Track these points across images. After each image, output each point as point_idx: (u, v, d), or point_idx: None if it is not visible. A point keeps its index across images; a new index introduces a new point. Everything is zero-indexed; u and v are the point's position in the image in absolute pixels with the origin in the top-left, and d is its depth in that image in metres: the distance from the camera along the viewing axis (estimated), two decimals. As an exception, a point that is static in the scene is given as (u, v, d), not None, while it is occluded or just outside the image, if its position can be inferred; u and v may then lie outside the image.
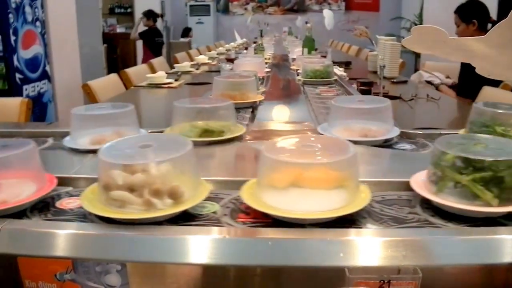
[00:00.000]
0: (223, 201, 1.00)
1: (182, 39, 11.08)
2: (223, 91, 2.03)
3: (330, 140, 1.20)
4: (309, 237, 0.82)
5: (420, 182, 1.03)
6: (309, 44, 4.08)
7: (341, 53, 7.01)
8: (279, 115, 2.21)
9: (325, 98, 2.36)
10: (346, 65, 4.24)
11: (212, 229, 0.87)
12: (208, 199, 0.97)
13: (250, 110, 2.01)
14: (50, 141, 1.56)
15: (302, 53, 4.08)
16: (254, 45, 5.82)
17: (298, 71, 3.22)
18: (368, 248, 0.81)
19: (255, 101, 2.08)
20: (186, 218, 0.92)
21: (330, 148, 0.99)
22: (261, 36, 6.02)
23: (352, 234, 0.84)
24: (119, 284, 0.82)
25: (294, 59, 4.16)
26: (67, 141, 1.43)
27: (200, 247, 0.81)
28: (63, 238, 0.86)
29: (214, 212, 0.95)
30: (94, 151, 1.07)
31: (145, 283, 0.82)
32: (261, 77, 2.81)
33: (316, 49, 4.63)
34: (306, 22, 7.97)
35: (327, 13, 3.74)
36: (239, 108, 1.91)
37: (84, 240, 0.86)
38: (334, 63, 3.34)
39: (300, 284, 0.84)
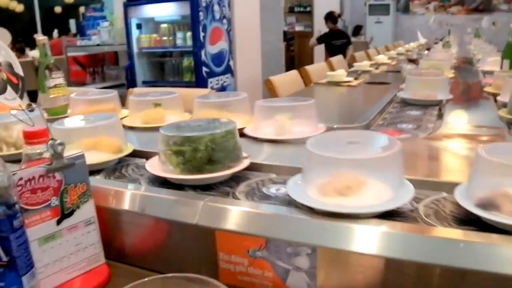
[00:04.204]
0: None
1: (354, 39, 10.98)
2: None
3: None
4: (504, 243, 0.78)
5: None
6: (512, 54, 2.76)
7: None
8: (466, 119, 2.16)
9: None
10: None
11: (407, 225, 0.87)
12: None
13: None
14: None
15: (501, 67, 2.88)
16: (438, 43, 5.95)
17: (498, 97, 2.20)
18: None
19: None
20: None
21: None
22: (449, 34, 6.19)
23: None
24: (307, 266, 0.85)
25: (485, 74, 3.23)
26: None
27: (391, 241, 0.82)
28: (259, 217, 0.93)
29: None
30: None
31: (332, 268, 0.85)
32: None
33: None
34: (493, 23, 7.42)
35: (521, 13, 3.44)
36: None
37: (279, 221, 0.91)
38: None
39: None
